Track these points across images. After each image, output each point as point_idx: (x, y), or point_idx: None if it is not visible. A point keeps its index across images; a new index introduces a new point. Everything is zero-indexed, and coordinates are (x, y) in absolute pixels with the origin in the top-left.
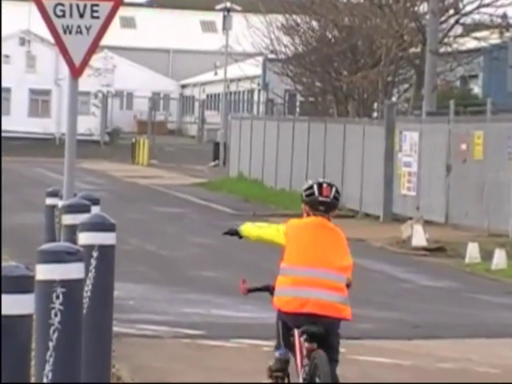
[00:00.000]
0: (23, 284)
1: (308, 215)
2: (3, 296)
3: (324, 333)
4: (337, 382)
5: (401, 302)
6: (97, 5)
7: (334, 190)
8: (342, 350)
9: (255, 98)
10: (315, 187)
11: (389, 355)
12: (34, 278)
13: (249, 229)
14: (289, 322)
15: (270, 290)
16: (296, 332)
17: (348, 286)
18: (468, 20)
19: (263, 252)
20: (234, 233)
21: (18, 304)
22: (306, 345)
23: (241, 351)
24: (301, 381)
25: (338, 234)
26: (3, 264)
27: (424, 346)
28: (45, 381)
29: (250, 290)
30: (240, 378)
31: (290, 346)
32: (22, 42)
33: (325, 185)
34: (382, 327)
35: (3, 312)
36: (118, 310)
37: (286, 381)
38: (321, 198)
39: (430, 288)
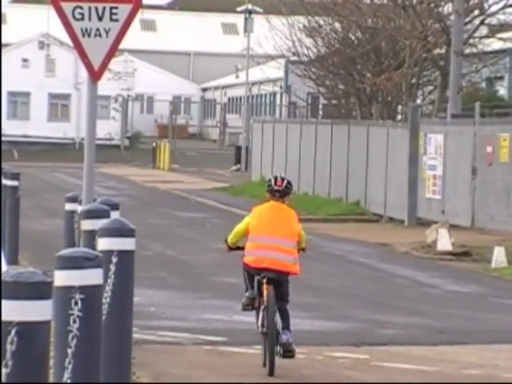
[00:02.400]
0: (41, 290)
1: (269, 201)
2: (21, 302)
3: (277, 278)
4: (287, 315)
5: (426, 307)
6: (116, 7)
7: (285, 181)
8: (366, 356)
9: (277, 100)
10: (272, 180)
11: (414, 361)
12: (51, 284)
13: (230, 238)
14: (252, 273)
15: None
16: (257, 278)
17: (303, 249)
18: (493, 20)
19: None
20: (234, 248)
21: (35, 310)
22: (265, 286)
23: (262, 358)
24: (260, 314)
25: (289, 213)
26: (21, 270)
27: (449, 352)
28: None
29: (232, 249)
30: None
31: (253, 287)
32: (42, 45)
33: (279, 178)
34: (407, 333)
35: (21, 318)
36: (138, 316)
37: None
38: (276, 187)
39: (456, 293)
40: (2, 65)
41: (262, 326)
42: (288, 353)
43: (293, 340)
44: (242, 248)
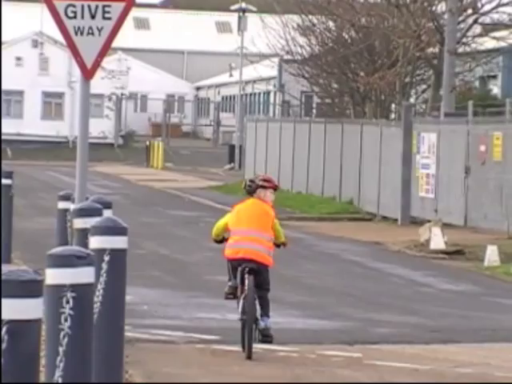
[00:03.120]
0: (31, 288)
1: (247, 199)
2: (11, 300)
3: (256, 268)
4: (266, 303)
5: (419, 306)
6: (109, 5)
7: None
8: (359, 354)
9: (271, 99)
10: (247, 181)
11: (407, 360)
12: (42, 283)
13: (214, 233)
14: (234, 265)
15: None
16: (239, 269)
17: (284, 244)
18: (487, 19)
19: (278, 256)
20: (219, 240)
21: (26, 309)
22: (246, 275)
23: (256, 356)
24: (241, 302)
25: (265, 209)
26: (12, 268)
27: (442, 351)
28: None
29: (218, 241)
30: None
31: (236, 277)
32: (35, 44)
33: (255, 180)
34: (400, 332)
35: (11, 317)
36: (131, 314)
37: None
38: (251, 187)
39: (449, 292)
40: (1, 62)
41: (242, 313)
42: (266, 337)
43: (271, 326)
44: (227, 240)
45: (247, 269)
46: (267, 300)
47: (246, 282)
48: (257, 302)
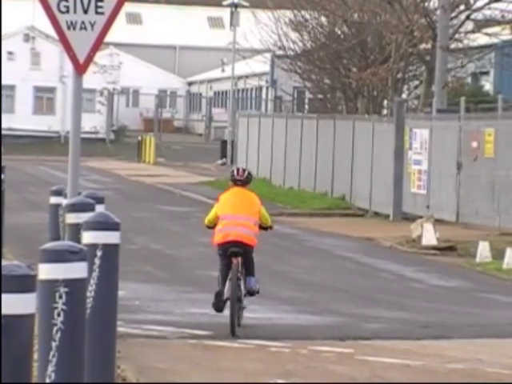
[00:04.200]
0: (24, 283)
1: (232, 187)
2: (4, 295)
3: (242, 252)
4: (252, 265)
5: (410, 301)
6: (101, 0)
7: (246, 172)
8: (350, 350)
9: (263, 95)
10: (235, 171)
11: (398, 355)
12: (35, 278)
13: (206, 222)
14: (223, 251)
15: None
16: (228, 253)
17: (271, 227)
18: (479, 16)
19: (271, 252)
20: (213, 227)
21: (19, 304)
22: (234, 260)
23: (247, 352)
24: (228, 282)
25: (250, 195)
26: (5, 263)
27: (434, 347)
28: (47, 381)
29: (210, 227)
30: (246, 378)
31: (228, 265)
32: (27, 38)
33: (240, 170)
34: (392, 327)
35: (4, 311)
36: (123, 310)
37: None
38: (237, 177)
39: (441, 287)
40: (1, 59)
41: (228, 292)
42: (252, 294)
43: (256, 284)
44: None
45: (233, 253)
46: (252, 263)
47: (232, 264)
48: (241, 283)
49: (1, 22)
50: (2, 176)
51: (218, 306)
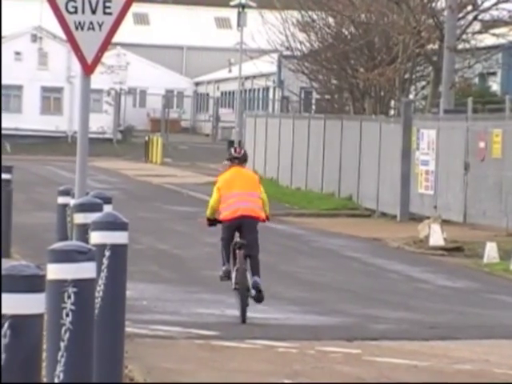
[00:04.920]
0: (34, 283)
1: (230, 168)
2: (13, 295)
3: (246, 243)
4: (257, 263)
5: (418, 302)
6: (109, 1)
7: (243, 150)
8: (357, 351)
9: (270, 95)
10: (232, 150)
11: (405, 356)
12: (44, 278)
13: (209, 212)
14: (229, 225)
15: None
16: (231, 244)
17: (267, 217)
18: (486, 16)
19: (277, 252)
20: (213, 220)
21: (28, 303)
22: (237, 251)
23: (255, 352)
24: (234, 274)
25: (249, 173)
26: (14, 263)
27: (441, 347)
28: (56, 381)
29: (211, 222)
30: (253, 379)
31: (229, 260)
32: (34, 38)
33: (237, 147)
34: (399, 328)
35: (13, 312)
36: (130, 310)
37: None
38: (235, 155)
39: (448, 288)
40: (1, 59)
41: (236, 283)
42: (259, 293)
43: (260, 283)
44: (219, 221)
45: (238, 245)
46: (258, 261)
47: (238, 256)
48: (248, 273)
49: (0, 23)
50: (10, 176)
51: (229, 274)
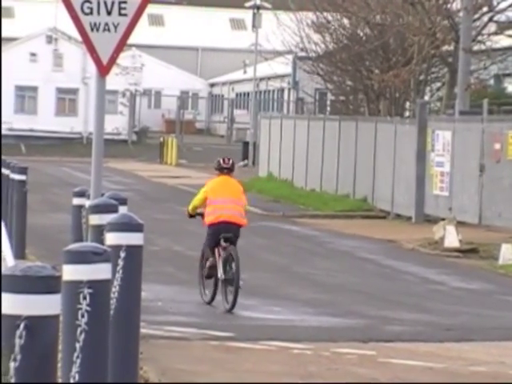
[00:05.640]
0: (50, 284)
1: (219, 176)
2: (29, 296)
3: (233, 237)
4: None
5: (433, 304)
6: (125, 2)
7: (231, 161)
8: (372, 352)
9: (285, 96)
10: (221, 160)
11: (420, 358)
12: (60, 279)
13: (190, 208)
14: (214, 230)
15: (202, 215)
16: (220, 237)
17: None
18: (502, 17)
19: (292, 253)
20: (194, 215)
21: (44, 304)
22: (224, 244)
23: (269, 353)
24: (221, 265)
25: (236, 182)
26: (30, 264)
27: (456, 349)
28: (71, 382)
29: (192, 215)
30: (268, 380)
31: (216, 243)
32: (49, 40)
33: (225, 158)
34: (414, 330)
35: (29, 313)
36: (145, 311)
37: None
38: (224, 165)
39: (463, 290)
40: (1, 59)
41: (224, 272)
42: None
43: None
44: (200, 214)
45: (225, 238)
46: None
47: (227, 248)
48: (233, 265)
49: (0, 23)
50: (25, 177)
51: (212, 274)
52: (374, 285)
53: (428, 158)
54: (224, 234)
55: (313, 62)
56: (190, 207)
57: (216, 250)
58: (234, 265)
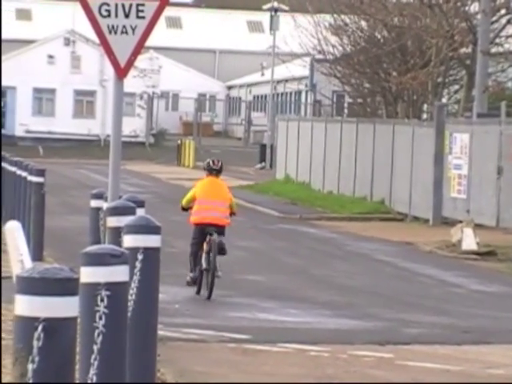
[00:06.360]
0: (68, 286)
1: (207, 176)
2: (48, 299)
3: (217, 232)
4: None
5: (450, 306)
6: (142, 4)
7: (220, 163)
8: (390, 355)
9: (302, 99)
10: (210, 162)
11: (438, 361)
12: (78, 281)
13: (184, 203)
14: (199, 229)
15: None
16: (205, 231)
17: (234, 213)
18: None
19: (309, 256)
20: (186, 209)
21: (62, 306)
22: (208, 237)
23: (286, 356)
24: (203, 256)
25: (223, 184)
26: (48, 266)
27: (474, 352)
28: (89, 383)
29: (185, 209)
30: (285, 382)
31: (200, 243)
32: (67, 42)
33: (215, 160)
34: (432, 332)
35: (48, 315)
36: (163, 313)
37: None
38: (213, 167)
39: (481, 293)
40: (1, 60)
41: (207, 264)
42: (222, 250)
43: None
44: (191, 208)
45: (210, 233)
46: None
47: (210, 241)
48: (216, 256)
49: (1, 24)
50: (43, 179)
51: (196, 281)
52: (392, 287)
53: (446, 160)
54: (209, 228)
55: (330, 64)
56: (184, 203)
57: (203, 245)
58: (211, 255)
